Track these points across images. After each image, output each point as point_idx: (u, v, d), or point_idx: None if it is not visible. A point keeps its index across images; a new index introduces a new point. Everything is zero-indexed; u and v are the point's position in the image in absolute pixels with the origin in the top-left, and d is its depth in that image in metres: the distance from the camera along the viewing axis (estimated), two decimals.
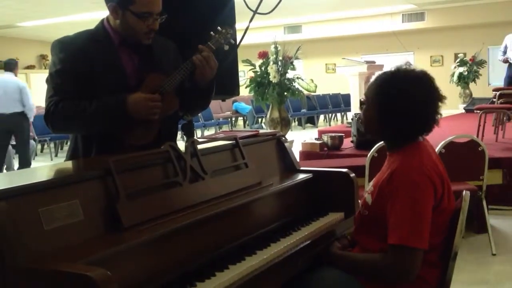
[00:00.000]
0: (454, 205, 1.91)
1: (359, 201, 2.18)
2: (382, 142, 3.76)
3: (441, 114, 1.94)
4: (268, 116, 6.62)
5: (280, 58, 6.41)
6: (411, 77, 1.89)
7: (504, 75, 9.39)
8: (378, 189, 1.90)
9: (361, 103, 1.99)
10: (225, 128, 14.43)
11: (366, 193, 1.99)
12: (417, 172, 1.80)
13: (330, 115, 16.95)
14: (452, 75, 13.83)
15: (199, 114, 12.04)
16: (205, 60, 2.20)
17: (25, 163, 8.17)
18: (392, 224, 1.79)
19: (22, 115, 7.92)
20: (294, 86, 6.52)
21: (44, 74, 2.40)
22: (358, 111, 8.13)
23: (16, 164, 8.54)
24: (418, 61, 18.32)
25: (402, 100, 1.86)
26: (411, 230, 1.76)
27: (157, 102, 2.12)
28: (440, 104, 1.91)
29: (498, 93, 7.23)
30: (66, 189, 1.52)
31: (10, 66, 8.11)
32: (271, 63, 6.38)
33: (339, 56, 13.94)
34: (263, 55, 6.51)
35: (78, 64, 2.10)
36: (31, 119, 8.23)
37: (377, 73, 1.97)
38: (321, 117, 17.12)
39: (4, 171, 8.18)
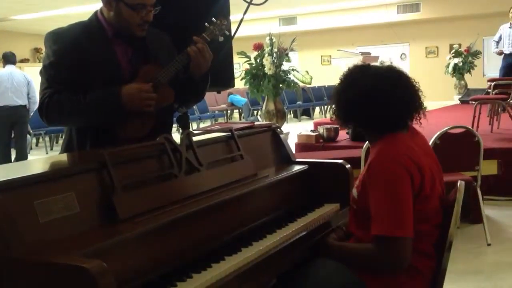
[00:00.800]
0: (440, 192, 1.91)
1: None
2: None
3: (421, 106, 1.94)
4: (263, 108, 6.61)
5: (275, 50, 6.40)
6: (367, 77, 1.93)
7: (499, 66, 9.41)
8: (361, 182, 1.91)
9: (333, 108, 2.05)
10: (221, 120, 14.42)
11: (353, 188, 2.01)
12: (391, 161, 1.81)
13: (325, 107, 16.93)
14: (447, 66, 13.85)
15: (194, 107, 12.02)
16: (199, 52, 2.19)
17: (22, 156, 8.18)
18: (373, 215, 1.80)
19: (26, 108, 7.97)
20: (290, 78, 6.52)
21: (38, 67, 2.39)
22: None
23: (12, 158, 8.53)
24: (413, 52, 18.34)
25: (354, 100, 1.92)
26: (390, 219, 1.76)
27: (150, 93, 2.11)
28: (413, 96, 1.92)
29: (493, 83, 7.25)
30: (62, 182, 1.51)
31: (11, 58, 8.17)
32: (266, 55, 6.37)
33: (334, 48, 13.95)
34: (258, 47, 6.49)
35: (71, 56, 2.09)
36: (32, 112, 8.26)
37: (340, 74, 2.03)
38: (317, 109, 17.11)
39: None
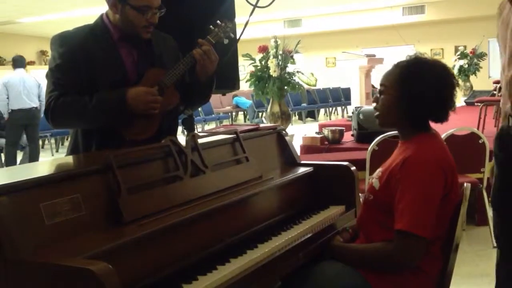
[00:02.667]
0: (458, 198, 1.92)
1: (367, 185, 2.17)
2: (382, 135, 3.78)
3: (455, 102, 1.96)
4: (268, 110, 6.61)
5: (280, 52, 6.39)
6: (435, 68, 1.91)
7: None
8: (388, 174, 1.89)
9: (380, 91, 1.99)
10: (226, 122, 14.43)
11: (373, 178, 1.98)
12: (431, 161, 1.82)
13: (330, 109, 16.93)
14: (453, 68, 13.82)
15: (199, 109, 12.03)
16: (205, 54, 2.19)
17: (35, 158, 8.31)
18: (400, 210, 1.79)
19: (37, 111, 8.11)
20: (294, 80, 6.51)
21: (44, 69, 2.40)
22: (358, 104, 8.10)
23: (18, 160, 8.59)
24: None
25: (426, 90, 1.87)
26: (419, 218, 1.76)
27: (156, 96, 2.12)
28: (455, 92, 1.94)
29: (498, 85, 7.23)
30: (68, 184, 1.52)
31: (21, 62, 8.39)
32: (271, 57, 6.37)
33: (339, 50, 13.89)
34: (263, 49, 6.49)
35: (78, 58, 2.10)
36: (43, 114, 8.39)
37: (399, 60, 1.98)
38: (322, 111, 17.10)
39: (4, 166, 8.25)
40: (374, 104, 2.01)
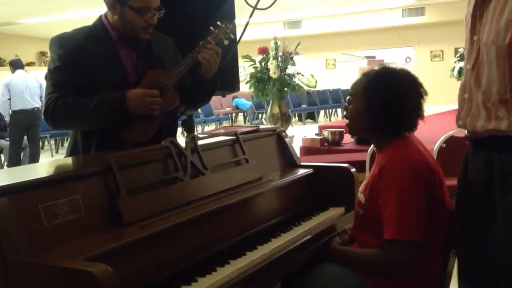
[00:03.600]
0: (448, 198, 1.91)
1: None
2: None
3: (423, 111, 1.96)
4: (268, 112, 6.60)
5: (280, 53, 6.39)
6: (401, 77, 1.92)
7: None
8: (370, 187, 1.91)
9: (348, 100, 2.00)
10: (226, 124, 14.43)
11: (359, 192, 2.00)
12: (405, 165, 1.81)
13: (330, 110, 16.93)
14: (453, 70, 13.81)
15: (199, 110, 12.04)
16: (212, 56, 2.20)
17: (35, 159, 8.34)
18: (386, 219, 1.80)
19: (39, 111, 8.21)
20: (294, 81, 6.51)
21: (44, 71, 2.40)
22: None
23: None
24: (418, 56, 18.31)
25: (393, 100, 1.87)
26: (405, 223, 1.76)
27: (156, 97, 2.12)
28: (423, 101, 1.94)
29: None
30: (67, 185, 1.52)
31: (20, 64, 8.50)
32: (271, 58, 6.36)
33: (339, 51, 13.94)
34: (263, 51, 6.49)
35: (77, 60, 2.10)
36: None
37: (364, 70, 1.99)
38: (322, 112, 17.10)
39: (5, 167, 8.27)
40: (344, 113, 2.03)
